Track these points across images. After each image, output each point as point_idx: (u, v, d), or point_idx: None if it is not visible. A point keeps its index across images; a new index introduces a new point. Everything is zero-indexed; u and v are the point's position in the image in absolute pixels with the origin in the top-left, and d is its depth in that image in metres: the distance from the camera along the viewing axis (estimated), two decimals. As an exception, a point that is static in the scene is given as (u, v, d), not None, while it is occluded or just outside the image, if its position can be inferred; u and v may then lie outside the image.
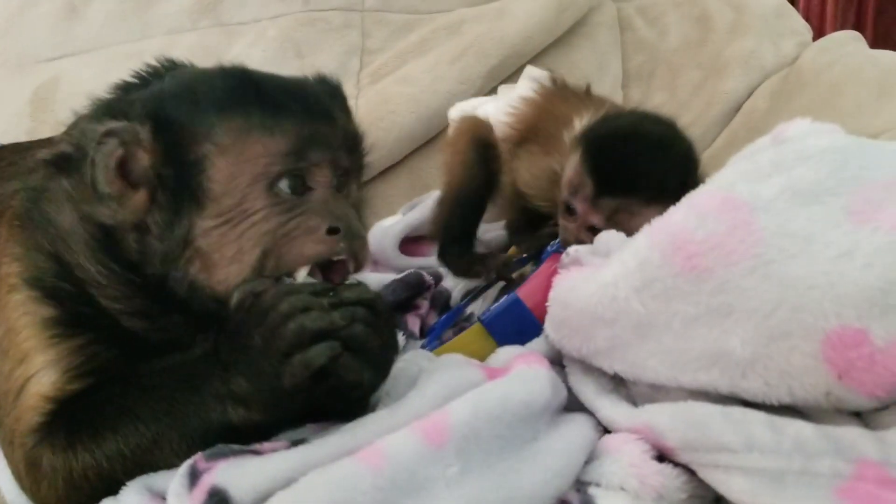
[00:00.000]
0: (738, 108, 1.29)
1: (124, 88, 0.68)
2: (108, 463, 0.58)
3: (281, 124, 0.63)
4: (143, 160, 0.62)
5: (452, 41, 1.21)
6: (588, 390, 0.68)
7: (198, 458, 0.57)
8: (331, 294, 0.58)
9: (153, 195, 0.62)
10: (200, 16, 1.20)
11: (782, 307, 0.57)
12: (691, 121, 1.29)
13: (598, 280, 0.66)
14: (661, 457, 0.61)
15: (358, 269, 0.66)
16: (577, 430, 0.64)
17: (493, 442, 0.58)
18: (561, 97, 0.99)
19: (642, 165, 0.79)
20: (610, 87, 1.31)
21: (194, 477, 0.56)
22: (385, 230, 1.11)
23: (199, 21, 1.20)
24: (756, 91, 1.29)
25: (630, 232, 0.69)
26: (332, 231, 0.63)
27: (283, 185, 0.63)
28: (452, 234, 0.97)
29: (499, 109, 1.00)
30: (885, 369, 0.53)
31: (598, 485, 0.60)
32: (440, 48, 1.21)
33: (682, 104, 1.31)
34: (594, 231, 0.78)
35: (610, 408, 0.65)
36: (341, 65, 1.20)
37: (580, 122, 0.88)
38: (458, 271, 0.97)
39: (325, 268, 0.65)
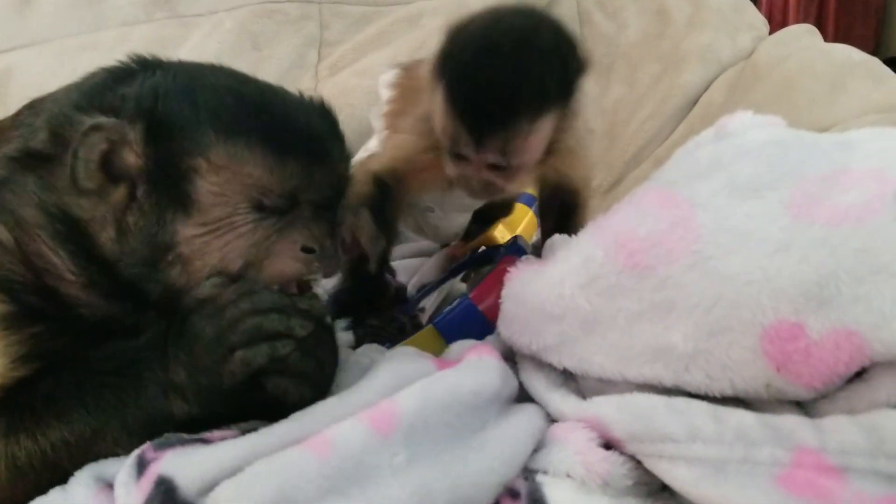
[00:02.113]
0: (695, 101, 1.31)
1: (113, 77, 0.65)
2: (52, 451, 0.58)
3: (281, 165, 0.62)
4: (129, 159, 0.60)
5: (411, 33, 1.21)
6: (539, 385, 0.69)
7: (146, 447, 0.57)
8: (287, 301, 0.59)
9: (133, 192, 0.61)
10: (155, 7, 1.18)
11: (721, 303, 0.58)
12: (650, 113, 1.30)
13: (546, 278, 0.67)
14: (608, 445, 0.62)
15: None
16: (525, 418, 0.65)
17: (441, 431, 0.59)
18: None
19: (512, 86, 0.68)
20: (569, 81, 1.32)
21: (142, 466, 0.56)
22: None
23: (154, 13, 1.19)
24: (713, 84, 1.31)
25: (533, 150, 0.70)
26: (308, 250, 0.63)
27: (270, 202, 0.63)
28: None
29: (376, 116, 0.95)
30: (821, 362, 0.54)
31: (545, 472, 0.60)
32: (399, 40, 1.20)
33: (641, 97, 1.32)
34: (496, 168, 0.73)
35: (560, 401, 0.66)
36: (299, 57, 1.20)
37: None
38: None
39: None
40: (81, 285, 0.63)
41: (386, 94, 0.92)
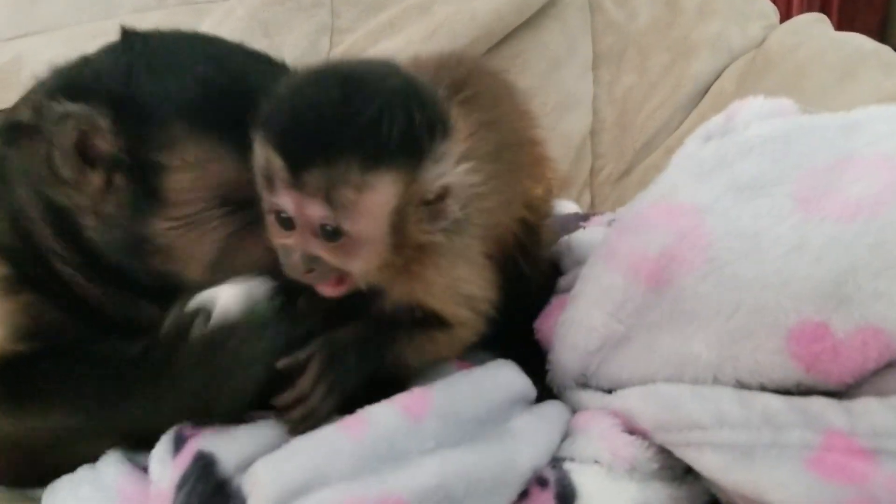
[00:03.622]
0: (706, 90, 1.31)
1: (87, 61, 0.64)
2: (26, 438, 0.59)
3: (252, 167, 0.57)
4: (102, 146, 0.60)
5: (423, 21, 1.21)
6: (564, 384, 0.69)
7: (182, 424, 0.58)
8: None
9: (111, 179, 0.60)
10: (167, -6, 1.18)
11: (741, 309, 0.58)
12: (661, 102, 1.30)
13: (573, 315, 0.66)
14: (632, 432, 0.62)
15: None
16: (553, 411, 0.66)
17: (470, 421, 0.59)
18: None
19: (340, 113, 0.52)
20: (580, 69, 1.32)
21: (179, 442, 0.57)
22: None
23: (165, 0, 1.19)
24: (723, 73, 1.30)
25: (370, 219, 0.53)
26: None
27: (240, 197, 0.61)
28: None
29: None
30: (850, 360, 0.54)
31: (572, 460, 0.61)
32: (411, 28, 1.20)
33: (652, 86, 1.32)
34: (326, 237, 0.53)
35: (586, 398, 0.67)
36: (311, 44, 1.19)
37: None
38: None
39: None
40: (74, 266, 0.63)
41: None
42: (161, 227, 0.61)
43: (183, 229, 0.61)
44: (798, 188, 0.60)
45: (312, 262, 0.54)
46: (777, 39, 1.29)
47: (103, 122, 0.59)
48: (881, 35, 2.79)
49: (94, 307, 0.63)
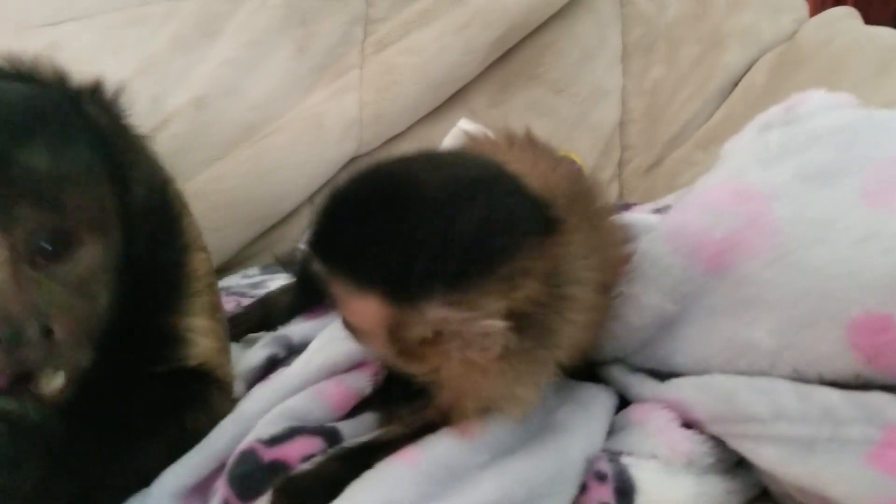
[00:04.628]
0: (736, 83, 1.30)
1: None
2: None
3: None
4: None
5: (456, 11, 1.20)
6: (613, 370, 0.70)
7: (229, 495, 0.57)
8: None
9: None
10: (205, -19, 1.18)
11: (806, 297, 0.57)
12: (690, 94, 1.30)
13: (626, 297, 0.65)
14: (687, 424, 0.63)
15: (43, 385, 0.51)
16: (595, 397, 0.67)
17: (518, 425, 0.59)
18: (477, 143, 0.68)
19: (353, 232, 0.51)
20: (610, 60, 1.32)
21: None
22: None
23: (203, -13, 1.18)
24: (754, 66, 1.30)
25: (361, 319, 0.53)
26: None
27: None
28: None
29: None
30: (911, 353, 0.54)
31: (629, 454, 0.61)
32: (444, 18, 1.20)
33: (682, 78, 1.31)
34: (347, 322, 0.56)
35: (637, 384, 0.67)
36: (345, 34, 1.19)
37: None
38: None
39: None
40: None
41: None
42: None
43: None
44: (867, 179, 0.59)
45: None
46: (809, 33, 1.29)
47: None
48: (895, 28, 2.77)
49: None
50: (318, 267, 0.53)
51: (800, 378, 0.58)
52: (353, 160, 1.18)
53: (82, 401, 0.53)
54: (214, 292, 0.68)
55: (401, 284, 0.49)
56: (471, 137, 0.70)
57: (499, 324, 0.49)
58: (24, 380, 0.50)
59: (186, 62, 1.14)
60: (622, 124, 1.33)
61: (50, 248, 0.50)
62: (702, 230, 0.62)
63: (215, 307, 0.67)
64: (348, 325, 0.56)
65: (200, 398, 0.62)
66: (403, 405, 0.62)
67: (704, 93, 1.30)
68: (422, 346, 0.52)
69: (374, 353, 0.58)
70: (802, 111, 0.68)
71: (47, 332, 0.48)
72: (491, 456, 0.56)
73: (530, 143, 0.67)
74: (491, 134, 0.69)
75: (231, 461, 0.58)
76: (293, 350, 0.76)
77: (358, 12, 1.20)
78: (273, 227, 1.17)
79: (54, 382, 0.51)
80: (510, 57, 1.27)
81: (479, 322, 0.49)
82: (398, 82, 1.17)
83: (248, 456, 0.57)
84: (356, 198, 0.52)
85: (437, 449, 0.56)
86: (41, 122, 0.51)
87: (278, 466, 0.57)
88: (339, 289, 0.52)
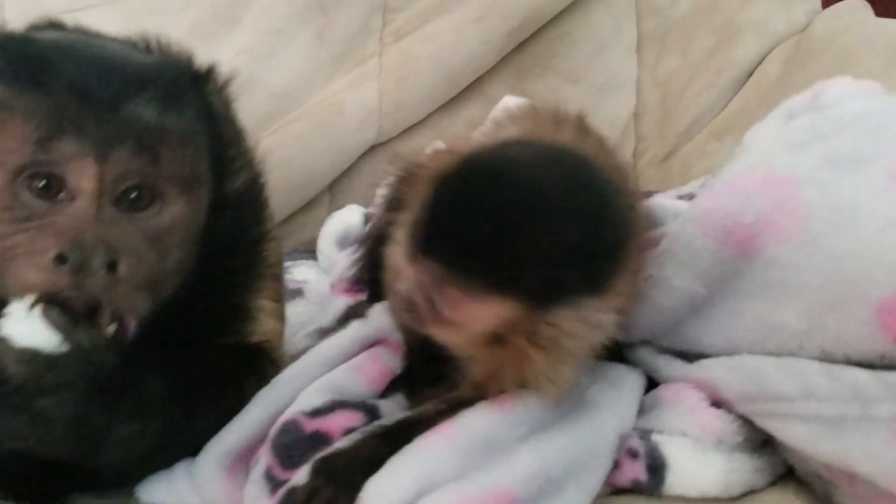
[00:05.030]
0: (749, 75, 1.31)
1: None
2: None
3: (25, 99, 0.51)
4: None
5: (473, 1, 1.21)
6: (642, 351, 0.71)
7: (272, 463, 0.59)
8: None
9: None
10: (224, -31, 1.19)
11: (835, 279, 0.59)
12: (704, 86, 1.31)
13: (655, 280, 0.67)
14: (716, 404, 0.64)
15: (120, 319, 0.54)
16: (624, 377, 0.69)
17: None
18: (537, 123, 0.70)
19: (487, 236, 0.51)
20: (625, 51, 1.33)
21: (274, 485, 0.59)
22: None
23: (222, -26, 1.19)
24: (767, 57, 1.31)
25: (467, 320, 0.55)
26: (61, 259, 0.50)
27: (29, 184, 0.52)
28: None
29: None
30: (939, 333, 0.55)
31: (660, 432, 0.63)
32: (461, 8, 1.21)
33: (695, 69, 1.32)
34: (431, 304, 0.55)
35: (665, 365, 0.69)
36: (364, 22, 1.20)
37: None
38: None
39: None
40: None
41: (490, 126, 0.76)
42: None
43: None
44: (894, 164, 0.61)
45: (412, 307, 0.56)
46: (821, 24, 1.30)
47: None
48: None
49: None
50: (425, 266, 0.53)
51: (827, 358, 0.60)
52: (371, 148, 1.20)
53: (151, 359, 0.56)
54: (281, 280, 0.72)
55: (545, 290, 0.52)
56: (526, 114, 0.74)
57: (611, 316, 0.55)
58: (93, 313, 0.52)
59: (205, 51, 1.14)
60: (636, 115, 1.34)
61: (136, 195, 0.54)
62: (732, 214, 0.63)
63: (280, 293, 0.71)
64: (430, 316, 0.56)
65: (259, 373, 0.65)
66: (428, 387, 0.64)
67: (718, 84, 1.31)
68: (514, 338, 0.55)
69: (443, 341, 0.59)
70: (829, 98, 0.70)
71: (111, 266, 0.51)
72: (528, 430, 0.58)
73: (579, 123, 0.70)
74: (539, 110, 0.73)
75: (274, 430, 0.59)
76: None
77: (377, 1, 1.21)
78: (293, 216, 1.17)
79: (112, 325, 0.53)
80: (526, 47, 1.27)
81: (596, 316, 0.54)
82: (417, 71, 1.18)
83: (291, 426, 0.59)
84: (479, 201, 0.52)
85: (475, 422, 0.57)
86: (156, 83, 0.54)
87: (319, 438, 0.59)
88: (454, 289, 0.53)
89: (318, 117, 1.16)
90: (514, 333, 0.55)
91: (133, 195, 0.54)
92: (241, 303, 0.65)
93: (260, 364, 0.65)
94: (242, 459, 0.61)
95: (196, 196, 0.57)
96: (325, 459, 0.57)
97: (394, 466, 0.55)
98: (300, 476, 0.57)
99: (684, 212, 0.67)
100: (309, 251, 1.11)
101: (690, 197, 0.81)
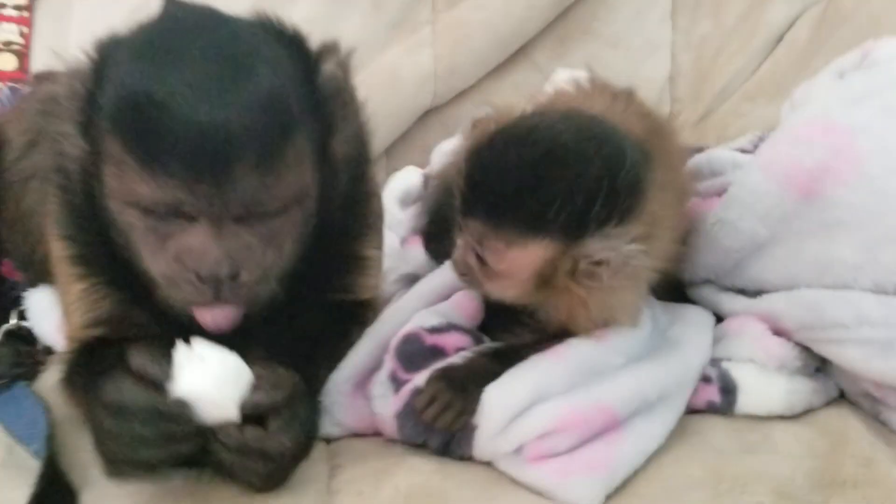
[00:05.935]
0: (779, 38, 1.36)
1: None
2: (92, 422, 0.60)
3: (151, 177, 0.56)
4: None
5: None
6: (706, 290, 0.79)
7: (395, 366, 0.67)
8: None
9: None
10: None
11: (886, 217, 0.67)
12: (736, 49, 1.36)
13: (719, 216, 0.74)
14: (776, 332, 0.71)
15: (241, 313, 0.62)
16: (696, 316, 0.76)
17: (645, 337, 0.70)
18: (592, 97, 0.79)
19: (517, 187, 0.61)
20: (661, 15, 1.37)
21: (397, 384, 0.67)
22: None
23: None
24: (796, 22, 1.36)
25: (512, 267, 0.64)
26: (200, 280, 0.58)
27: (161, 214, 0.58)
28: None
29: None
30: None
31: (729, 359, 0.71)
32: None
33: (728, 33, 1.37)
34: (480, 262, 0.65)
35: (729, 301, 0.76)
36: (409, 8, 1.26)
37: None
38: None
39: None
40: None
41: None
42: (111, 220, 0.61)
43: (121, 227, 0.60)
44: None
45: (467, 269, 0.67)
46: (848, -10, 1.35)
47: (79, 88, 0.60)
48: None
49: (151, 289, 0.63)
50: (469, 226, 0.64)
51: (878, 290, 0.67)
52: (425, 113, 1.26)
53: (273, 319, 0.64)
54: (381, 231, 0.80)
55: (573, 225, 0.61)
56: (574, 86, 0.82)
57: (639, 247, 0.61)
58: None
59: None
60: (671, 78, 1.39)
61: (255, 211, 0.59)
62: (793, 160, 0.70)
63: (382, 242, 0.79)
64: (483, 273, 0.65)
65: (366, 324, 0.73)
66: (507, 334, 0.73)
67: (750, 48, 1.35)
68: (564, 277, 0.63)
69: (496, 295, 0.68)
70: (879, 56, 0.77)
71: (235, 276, 0.58)
72: (626, 360, 0.66)
73: (628, 95, 0.78)
74: (587, 84, 0.82)
75: (396, 340, 0.68)
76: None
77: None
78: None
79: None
80: (568, 12, 1.33)
81: (626, 248, 0.61)
82: (469, 36, 1.24)
83: (413, 338, 0.68)
84: (507, 162, 0.62)
85: (581, 349, 0.65)
86: (268, 112, 0.57)
87: (437, 350, 0.68)
88: (499, 241, 0.63)
89: (375, 83, 1.19)
90: (558, 275, 0.63)
91: (251, 211, 0.59)
92: (353, 252, 0.72)
93: (368, 316, 0.74)
94: (359, 386, 0.69)
95: (308, 198, 0.63)
96: (443, 370, 0.66)
97: (511, 378, 0.63)
98: (420, 378, 0.65)
99: (749, 160, 0.74)
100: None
101: (743, 151, 0.88)
